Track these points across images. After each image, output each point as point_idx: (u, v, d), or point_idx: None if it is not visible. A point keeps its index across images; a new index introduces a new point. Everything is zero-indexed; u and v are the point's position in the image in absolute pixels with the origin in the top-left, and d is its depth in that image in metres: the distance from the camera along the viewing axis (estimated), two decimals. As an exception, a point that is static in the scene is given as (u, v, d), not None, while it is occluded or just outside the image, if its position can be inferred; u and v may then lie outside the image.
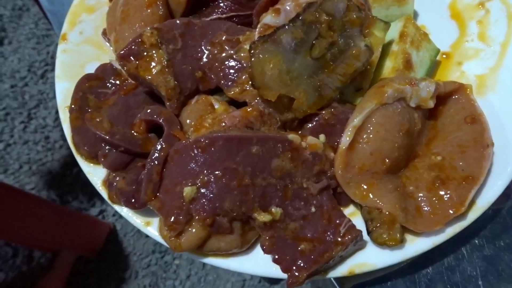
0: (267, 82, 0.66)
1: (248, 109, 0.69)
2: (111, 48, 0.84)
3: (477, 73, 0.78)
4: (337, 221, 0.66)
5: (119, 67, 0.77)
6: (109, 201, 0.72)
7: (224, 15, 0.80)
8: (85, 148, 0.73)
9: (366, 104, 0.66)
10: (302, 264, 0.63)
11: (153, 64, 0.71)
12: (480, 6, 0.84)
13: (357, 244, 0.65)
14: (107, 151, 0.71)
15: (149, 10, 0.76)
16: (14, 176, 2.14)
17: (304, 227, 0.65)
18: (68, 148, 0.76)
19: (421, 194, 0.67)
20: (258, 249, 0.68)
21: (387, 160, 0.66)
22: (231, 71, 0.72)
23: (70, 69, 0.84)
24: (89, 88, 0.77)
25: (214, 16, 0.80)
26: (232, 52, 0.72)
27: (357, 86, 0.74)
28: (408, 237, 0.66)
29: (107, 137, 0.69)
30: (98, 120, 0.71)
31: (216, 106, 0.72)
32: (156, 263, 1.98)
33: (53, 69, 0.82)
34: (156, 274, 1.96)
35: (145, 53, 0.71)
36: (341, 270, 0.66)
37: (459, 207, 0.65)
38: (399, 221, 0.64)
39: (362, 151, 0.66)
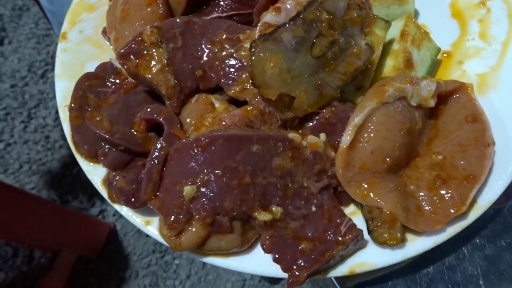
0: (267, 80, 0.66)
1: (249, 108, 0.69)
2: (111, 47, 0.84)
3: (478, 72, 0.78)
4: (338, 220, 0.66)
5: (119, 66, 0.77)
6: (109, 200, 0.72)
7: (224, 14, 0.80)
8: (85, 147, 0.73)
9: (367, 103, 0.66)
10: (302, 264, 0.63)
11: (153, 62, 0.70)
12: (481, 5, 0.84)
13: (358, 243, 0.65)
14: (107, 150, 0.71)
15: (149, 9, 0.75)
16: (14, 176, 2.14)
17: (305, 226, 0.65)
18: (68, 147, 0.76)
19: (422, 193, 0.67)
20: (258, 249, 0.67)
21: (388, 159, 0.65)
22: (232, 69, 0.72)
23: (70, 68, 0.84)
24: (89, 87, 0.77)
25: (215, 15, 0.80)
26: (232, 50, 0.72)
27: (358, 85, 0.74)
28: (409, 236, 0.66)
29: (107, 136, 0.69)
30: (98, 119, 0.71)
31: (216, 105, 0.71)
32: (156, 262, 1.97)
33: (53, 69, 0.82)
34: (156, 273, 1.96)
35: (145, 52, 0.71)
36: (342, 270, 0.66)
37: (460, 206, 0.64)
38: (400, 220, 0.64)
39: (363, 150, 0.65)
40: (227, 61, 0.72)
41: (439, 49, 0.79)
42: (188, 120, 0.71)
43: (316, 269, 0.63)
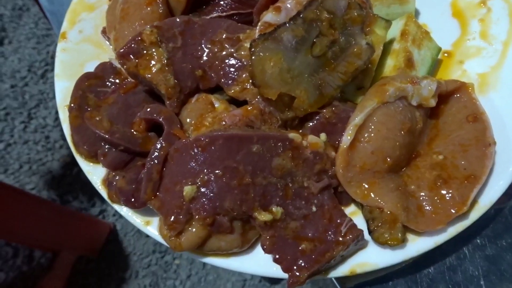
0: (267, 80, 0.65)
1: (249, 108, 0.69)
2: (111, 46, 0.84)
3: (478, 72, 0.78)
4: (338, 221, 0.65)
5: (119, 66, 0.77)
6: (108, 201, 0.72)
7: (224, 13, 0.80)
8: (85, 147, 0.73)
9: (367, 103, 0.66)
10: (303, 264, 0.62)
11: (153, 62, 0.70)
12: (482, 4, 0.84)
13: (358, 243, 0.65)
14: (106, 150, 0.71)
15: (149, 8, 0.75)
16: (14, 176, 2.14)
17: (305, 226, 0.65)
18: (68, 148, 0.76)
19: (423, 193, 0.67)
20: (258, 249, 0.67)
21: (388, 159, 0.65)
22: (232, 69, 0.72)
23: (70, 68, 0.84)
24: (89, 87, 0.77)
25: (214, 14, 0.80)
26: (232, 50, 0.72)
27: (358, 85, 0.74)
28: (410, 236, 0.66)
29: (107, 136, 0.69)
30: (97, 119, 0.71)
31: (216, 105, 0.71)
32: (157, 263, 1.97)
33: (53, 69, 0.82)
34: (157, 274, 1.95)
35: (144, 52, 0.71)
36: (342, 270, 0.66)
37: (461, 206, 0.64)
38: (401, 220, 0.64)
39: (364, 150, 0.65)
40: (227, 61, 0.72)
41: (439, 49, 0.79)
42: (188, 120, 0.71)
43: (317, 269, 0.63)
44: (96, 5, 0.92)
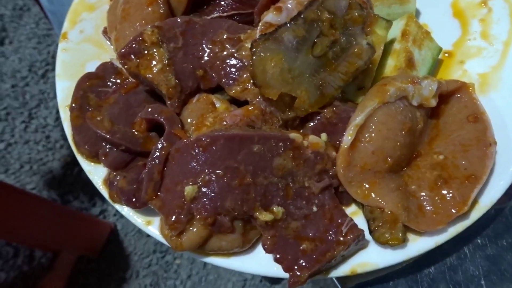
0: (268, 80, 0.66)
1: (250, 108, 0.69)
2: (112, 46, 0.84)
3: (479, 72, 0.78)
4: (339, 221, 0.65)
5: (120, 66, 0.77)
6: (109, 200, 0.72)
7: (225, 14, 0.80)
8: (86, 147, 0.73)
9: (368, 103, 0.66)
10: (303, 264, 0.63)
11: (154, 62, 0.70)
12: (483, 4, 0.84)
13: (359, 243, 0.65)
14: (107, 150, 0.71)
15: (150, 9, 0.75)
16: (15, 176, 2.14)
17: (306, 226, 0.65)
18: (69, 147, 0.76)
19: (424, 193, 0.67)
20: (259, 249, 0.67)
21: (389, 159, 0.65)
22: (232, 69, 0.72)
23: (71, 68, 0.84)
24: (90, 86, 0.77)
25: (215, 15, 0.80)
26: (233, 50, 0.72)
27: (359, 85, 0.74)
28: (410, 236, 0.66)
29: (108, 136, 0.69)
30: (98, 119, 0.71)
31: (217, 105, 0.71)
32: (157, 262, 1.97)
33: (54, 69, 0.82)
34: (157, 273, 1.96)
35: (146, 52, 0.71)
36: (343, 270, 0.66)
37: (462, 206, 0.64)
38: (401, 220, 0.64)
39: (364, 150, 0.65)
40: (228, 61, 0.72)
41: (440, 49, 0.79)
42: (189, 120, 0.71)
43: (317, 269, 0.63)
44: (97, 5, 0.92)
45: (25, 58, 2.48)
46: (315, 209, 0.66)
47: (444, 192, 0.66)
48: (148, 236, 0.61)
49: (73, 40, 0.88)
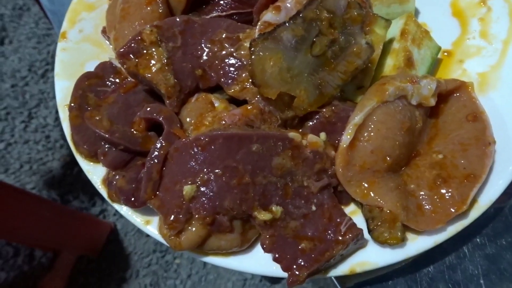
0: (267, 80, 0.66)
1: (249, 107, 0.69)
2: (111, 46, 0.84)
3: (478, 71, 0.78)
4: (338, 220, 0.65)
5: (119, 65, 0.77)
6: (108, 200, 0.72)
7: (224, 13, 0.80)
8: (85, 146, 0.73)
9: (367, 102, 0.66)
10: (302, 263, 0.63)
11: (153, 62, 0.70)
12: (482, 3, 0.83)
13: (358, 242, 0.65)
14: (106, 149, 0.71)
15: (149, 8, 0.75)
16: (14, 176, 2.14)
17: (305, 225, 0.65)
18: (69, 147, 0.76)
19: (423, 193, 0.67)
20: (258, 248, 0.67)
21: (388, 158, 0.65)
22: (231, 69, 0.72)
23: (70, 68, 0.84)
24: (89, 86, 0.77)
25: (214, 14, 0.80)
26: (232, 49, 0.72)
27: (358, 84, 0.74)
28: (409, 235, 0.66)
29: (107, 136, 0.69)
30: (97, 118, 0.71)
31: (216, 104, 0.71)
32: (157, 262, 1.97)
33: (53, 69, 0.82)
34: (157, 273, 1.95)
35: (144, 51, 0.71)
36: (342, 269, 0.66)
37: (461, 205, 0.64)
38: (400, 219, 0.64)
39: (363, 149, 0.65)
40: (227, 60, 0.72)
41: (439, 48, 0.79)
42: (188, 119, 0.71)
43: (316, 268, 0.63)
44: (96, 5, 0.92)
45: (25, 58, 2.48)
46: (314, 208, 0.66)
47: (443, 191, 0.66)
48: (148, 235, 0.61)
49: (72, 40, 0.88)
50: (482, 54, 0.79)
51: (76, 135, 0.74)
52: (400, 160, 0.67)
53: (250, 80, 0.67)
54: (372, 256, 0.66)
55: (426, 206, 0.66)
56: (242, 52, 0.72)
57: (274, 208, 0.64)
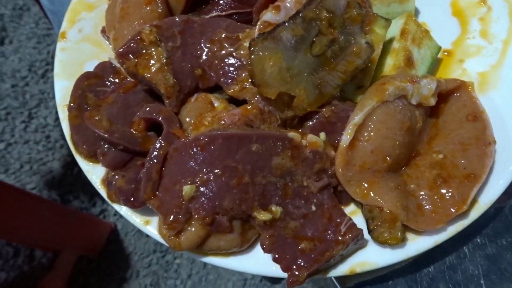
0: (267, 79, 0.65)
1: (248, 107, 0.69)
2: (110, 46, 0.84)
3: (478, 71, 0.78)
4: (338, 220, 0.65)
5: (118, 65, 0.77)
6: (108, 200, 0.72)
7: (223, 13, 0.80)
8: (84, 146, 0.72)
9: (367, 102, 0.66)
10: (302, 263, 0.62)
11: (152, 61, 0.70)
12: (482, 3, 0.83)
13: (358, 243, 0.65)
14: (106, 149, 0.71)
15: (148, 8, 0.75)
16: (15, 176, 2.14)
17: (305, 225, 0.65)
18: (69, 147, 0.76)
19: (423, 193, 0.67)
20: (258, 248, 0.67)
21: (388, 158, 0.65)
22: (231, 68, 0.72)
23: (69, 68, 0.84)
24: (88, 86, 0.77)
25: (214, 14, 0.80)
26: (231, 49, 0.72)
27: (357, 84, 0.74)
28: (410, 235, 0.66)
29: (106, 136, 0.69)
30: (97, 118, 0.71)
31: (215, 104, 0.71)
32: (157, 262, 1.97)
33: (53, 69, 0.82)
34: (157, 273, 1.95)
35: (144, 51, 0.71)
36: (342, 269, 0.66)
37: (461, 205, 0.64)
38: (400, 219, 0.63)
39: (363, 149, 0.65)
40: (226, 60, 0.72)
41: (439, 48, 0.78)
42: (187, 119, 0.71)
43: (316, 268, 0.63)
44: (95, 5, 0.92)
45: (25, 58, 2.48)
46: (313, 208, 0.66)
47: (444, 191, 0.66)
48: (148, 235, 0.61)
49: (71, 40, 0.87)
50: (482, 54, 0.79)
51: (76, 135, 0.74)
52: (400, 160, 0.67)
53: (250, 80, 0.67)
54: (372, 256, 0.66)
55: (426, 206, 0.65)
56: (242, 52, 0.71)
57: (273, 208, 0.63)
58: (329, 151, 0.67)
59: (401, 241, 0.63)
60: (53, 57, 2.44)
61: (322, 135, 0.69)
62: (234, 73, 0.71)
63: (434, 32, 0.79)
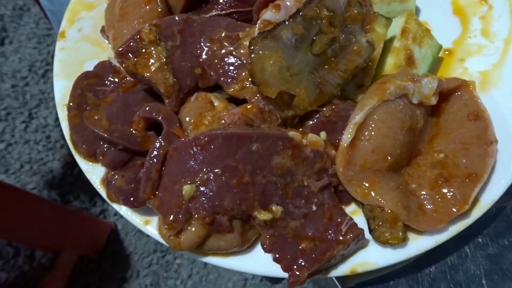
0: (267, 78, 0.65)
1: (248, 106, 0.68)
2: (110, 45, 0.83)
3: (480, 70, 0.77)
4: (339, 220, 0.65)
5: (118, 65, 0.76)
6: (108, 200, 0.71)
7: (223, 12, 0.79)
8: (84, 146, 0.72)
9: (367, 101, 0.65)
10: (303, 263, 0.62)
11: (152, 61, 0.70)
12: (483, 1, 0.83)
13: (359, 242, 0.65)
14: (105, 149, 0.70)
15: (147, 7, 0.75)
16: (15, 176, 2.14)
17: (305, 225, 0.65)
18: (69, 147, 0.76)
19: (424, 192, 0.66)
20: (258, 248, 0.67)
21: (389, 158, 0.65)
22: (231, 68, 0.71)
23: (69, 67, 0.84)
24: (88, 86, 0.77)
25: (214, 13, 0.79)
26: (231, 48, 0.72)
27: (358, 83, 0.73)
28: (411, 235, 0.65)
29: (106, 135, 0.68)
30: (96, 118, 0.71)
31: (215, 104, 0.71)
32: (158, 262, 1.97)
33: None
34: (158, 273, 1.95)
35: (143, 50, 0.70)
36: (343, 269, 0.65)
37: (463, 205, 0.64)
38: (402, 219, 0.63)
39: (364, 148, 0.65)
40: (226, 59, 0.72)
41: (440, 47, 0.78)
42: (187, 118, 0.71)
43: (317, 268, 0.62)
44: (95, 4, 0.91)
45: (25, 58, 2.48)
46: (314, 208, 0.65)
47: (445, 190, 0.65)
48: (148, 235, 0.61)
49: (71, 39, 0.87)
50: (483, 53, 0.79)
51: (75, 134, 0.73)
52: (401, 160, 0.67)
53: (250, 79, 0.66)
54: (373, 256, 0.65)
55: (427, 205, 0.65)
56: (242, 51, 0.71)
57: (274, 208, 0.63)
58: (330, 151, 0.67)
59: (402, 241, 0.63)
60: (53, 57, 2.44)
61: (323, 134, 0.68)
62: (234, 72, 0.71)
63: (435, 31, 0.79)
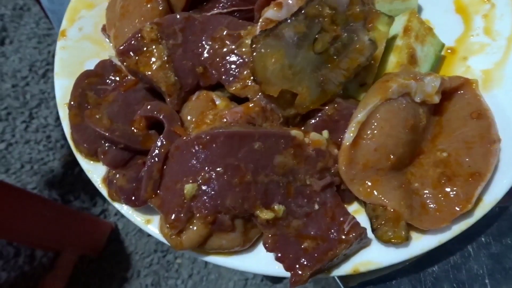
0: (269, 77, 0.65)
1: (250, 105, 0.68)
2: (111, 44, 0.83)
3: (482, 68, 0.77)
4: (341, 219, 0.65)
5: (119, 63, 0.76)
6: (109, 199, 0.71)
7: (225, 10, 0.79)
8: (85, 145, 0.72)
9: (370, 100, 0.65)
10: (305, 262, 0.62)
11: (153, 59, 0.70)
12: (486, 0, 0.83)
13: (362, 242, 0.64)
14: (106, 148, 0.70)
15: (148, 5, 0.75)
16: (15, 176, 2.14)
17: (308, 224, 0.64)
18: (70, 147, 0.76)
19: (427, 191, 0.66)
20: (260, 247, 0.67)
21: (391, 156, 0.65)
22: (233, 66, 0.71)
23: (69, 66, 0.83)
24: (89, 84, 0.76)
25: (215, 11, 0.79)
26: (233, 47, 0.71)
27: (361, 81, 0.73)
28: (414, 234, 0.65)
29: (107, 134, 0.68)
30: (97, 116, 0.70)
31: (217, 102, 0.71)
32: (158, 262, 1.97)
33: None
34: (158, 273, 1.95)
35: (145, 49, 0.70)
36: (345, 269, 0.65)
37: (466, 204, 0.63)
38: (404, 218, 0.63)
39: (366, 147, 0.64)
40: (228, 58, 0.71)
41: (443, 45, 0.78)
42: (188, 117, 0.71)
43: (319, 268, 0.62)
44: (96, 3, 0.91)
45: (25, 58, 2.48)
46: (316, 207, 0.65)
47: (448, 189, 0.65)
48: (149, 235, 0.60)
49: (72, 38, 0.87)
50: (486, 51, 0.78)
51: (76, 133, 0.73)
52: (403, 158, 0.67)
53: (252, 78, 0.66)
54: (376, 256, 0.65)
55: (430, 204, 0.65)
56: (244, 50, 0.71)
57: (276, 207, 0.63)
58: (332, 149, 0.67)
59: (405, 240, 0.63)
60: (53, 56, 2.44)
61: (325, 133, 0.68)
62: (236, 70, 0.71)
63: (437, 29, 0.79)
